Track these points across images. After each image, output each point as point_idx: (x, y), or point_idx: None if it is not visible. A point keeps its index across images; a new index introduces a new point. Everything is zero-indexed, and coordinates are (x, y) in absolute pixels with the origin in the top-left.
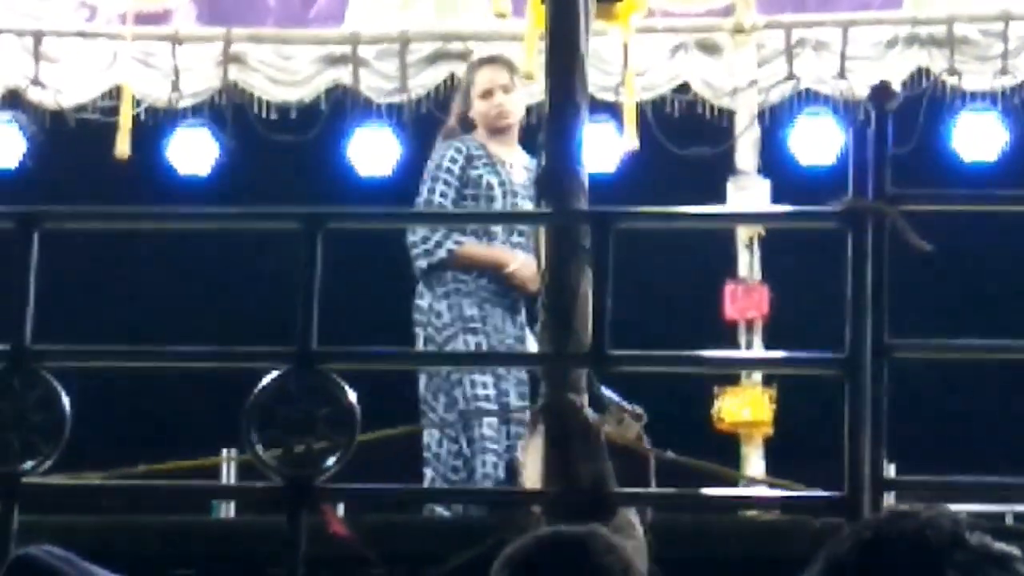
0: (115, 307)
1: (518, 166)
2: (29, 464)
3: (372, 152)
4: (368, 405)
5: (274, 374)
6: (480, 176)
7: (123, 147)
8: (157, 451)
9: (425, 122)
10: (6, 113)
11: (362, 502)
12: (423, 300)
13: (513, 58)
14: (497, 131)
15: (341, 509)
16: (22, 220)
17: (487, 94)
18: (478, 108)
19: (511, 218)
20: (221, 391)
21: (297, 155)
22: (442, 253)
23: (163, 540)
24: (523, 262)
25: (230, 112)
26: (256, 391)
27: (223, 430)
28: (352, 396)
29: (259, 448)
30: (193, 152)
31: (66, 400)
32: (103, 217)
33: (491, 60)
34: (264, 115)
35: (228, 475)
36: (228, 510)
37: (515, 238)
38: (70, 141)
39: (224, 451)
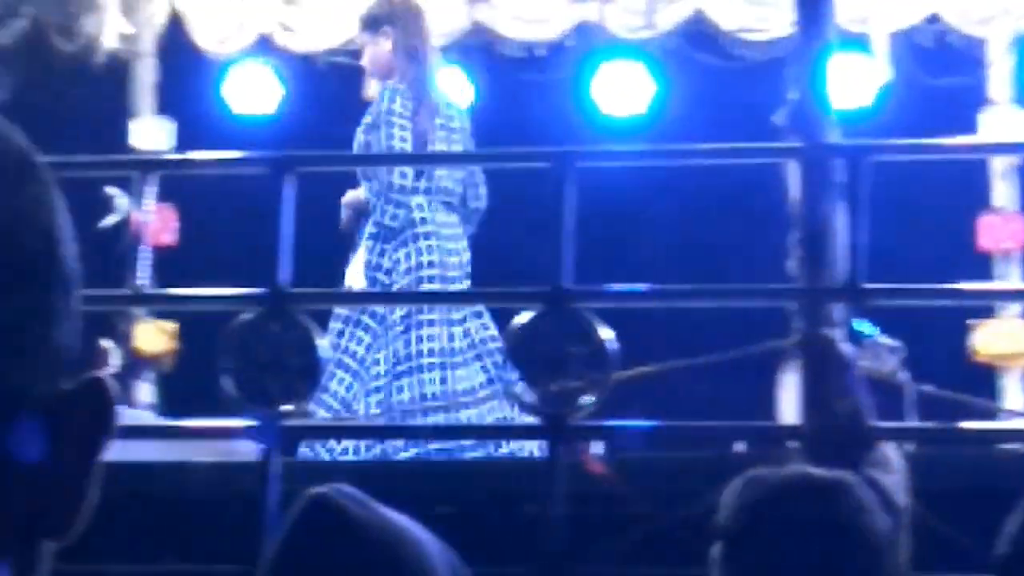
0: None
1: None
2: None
3: (619, 89)
4: (623, 343)
5: (528, 313)
6: None
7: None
8: None
9: (673, 58)
10: (262, 59)
11: (619, 439)
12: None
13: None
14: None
15: (600, 447)
16: (276, 165)
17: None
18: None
19: (757, 153)
20: None
21: (544, 94)
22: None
23: (423, 479)
24: None
25: (477, 51)
26: (511, 330)
27: None
28: (607, 334)
29: (518, 386)
30: (453, 94)
31: (321, 342)
32: (353, 160)
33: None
34: (511, 54)
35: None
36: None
37: None
38: (321, 85)
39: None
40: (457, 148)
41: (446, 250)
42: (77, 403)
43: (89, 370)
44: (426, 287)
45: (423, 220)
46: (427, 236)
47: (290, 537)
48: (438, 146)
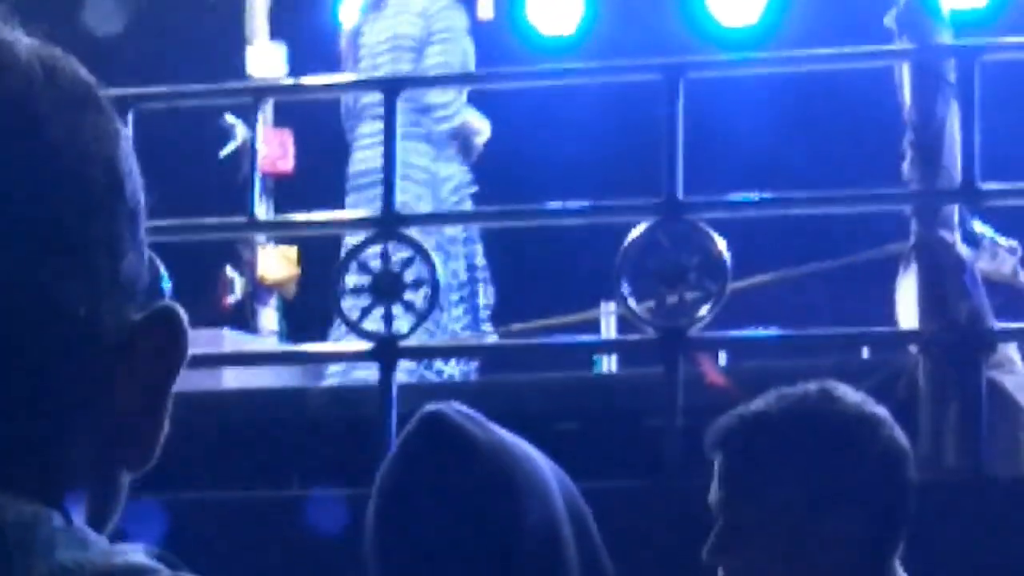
0: (481, 171)
1: None
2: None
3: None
4: (737, 253)
5: (643, 226)
6: None
7: (486, 9)
8: (534, 308)
9: None
10: None
11: (739, 349)
12: (424, 160)
13: None
14: None
15: (723, 358)
16: (386, 87)
17: None
18: None
19: (868, 57)
20: (594, 246)
21: (657, 6)
22: (459, 120)
23: (543, 396)
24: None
25: None
26: (625, 244)
27: (601, 284)
28: (722, 244)
29: (632, 301)
30: (555, 10)
31: (438, 262)
32: (462, 80)
33: None
34: None
35: (608, 328)
36: (611, 364)
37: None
38: None
39: (603, 304)
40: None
41: None
42: (147, 333)
43: (210, 297)
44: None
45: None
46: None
47: (403, 452)
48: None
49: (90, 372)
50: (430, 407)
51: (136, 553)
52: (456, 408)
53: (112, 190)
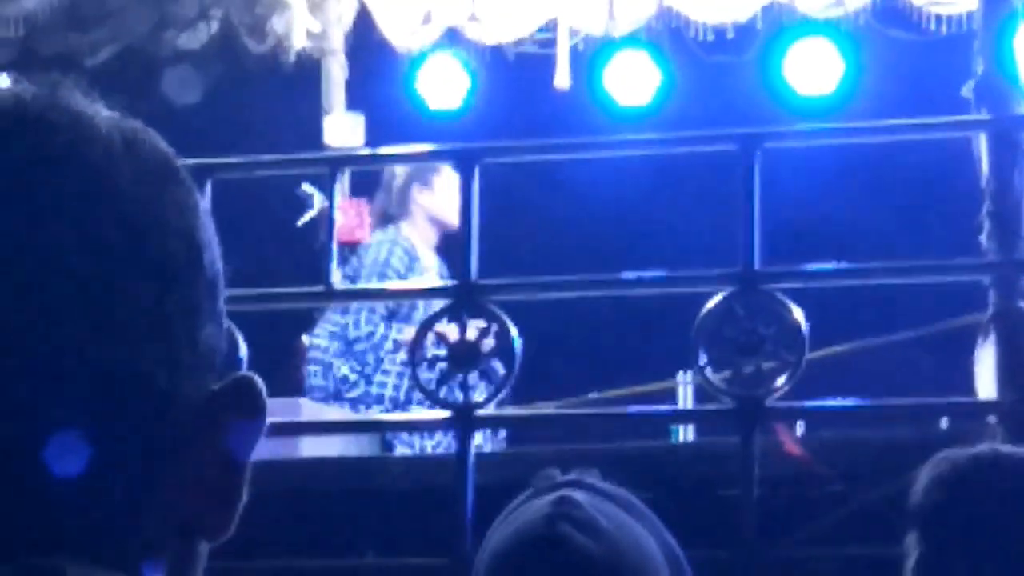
0: (558, 239)
1: (433, 272)
2: (482, 396)
3: (808, 69)
4: (814, 322)
5: (720, 296)
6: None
7: (562, 78)
8: (610, 378)
9: (864, 34)
10: (451, 51)
11: (817, 419)
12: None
13: None
14: (438, 232)
15: (800, 428)
16: (463, 157)
17: (454, 187)
18: (440, 206)
19: (946, 128)
20: (670, 315)
21: (734, 76)
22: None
23: (619, 465)
24: None
25: (666, 37)
26: (702, 314)
27: (677, 353)
28: (799, 314)
29: (709, 370)
30: (632, 80)
31: (515, 332)
32: (539, 150)
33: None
34: (701, 37)
35: (686, 398)
36: (688, 433)
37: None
38: (510, 75)
39: (680, 374)
40: None
41: None
42: (226, 403)
43: (288, 366)
44: None
45: None
46: None
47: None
48: None
49: (170, 442)
50: (567, 486)
51: None
52: (571, 515)
53: (191, 262)
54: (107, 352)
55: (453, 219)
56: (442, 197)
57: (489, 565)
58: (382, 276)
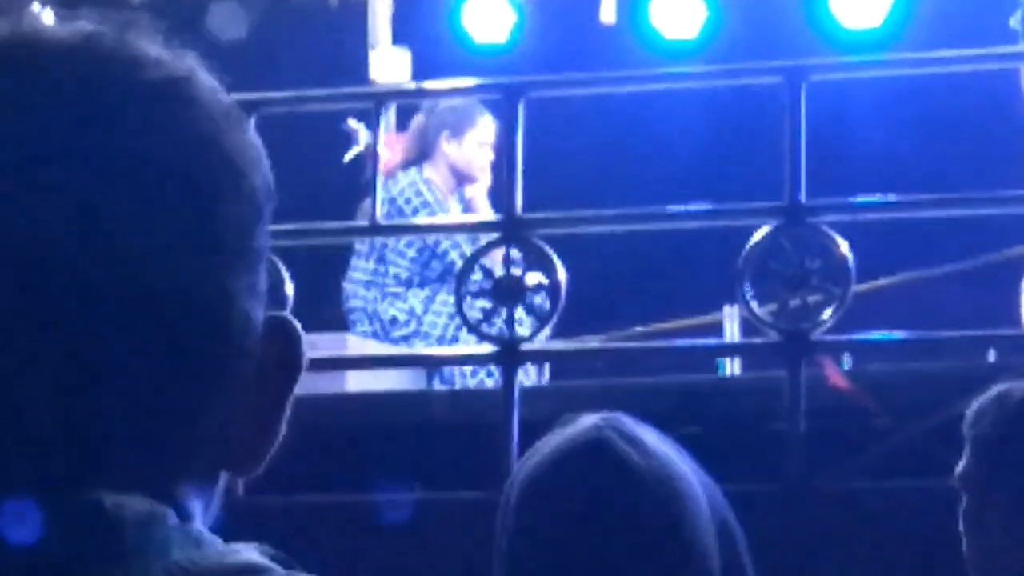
0: (604, 174)
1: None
2: (528, 331)
3: (857, 1)
4: (860, 256)
5: (765, 229)
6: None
7: (608, 13)
8: (655, 312)
9: None
10: None
11: (863, 353)
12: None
13: None
14: (468, 181)
15: (847, 361)
16: (508, 91)
17: (485, 144)
18: (468, 155)
19: (994, 59)
20: (717, 249)
21: (781, 10)
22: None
23: (665, 400)
24: None
25: None
26: (748, 247)
27: (723, 287)
28: (845, 247)
29: (754, 304)
30: (678, 15)
31: (560, 266)
32: (584, 83)
33: (487, 112)
34: None
35: (732, 332)
36: (734, 367)
37: None
38: (556, 10)
39: (726, 308)
40: None
41: None
42: (268, 341)
43: (333, 301)
44: None
45: None
46: None
47: (559, 476)
48: None
49: (229, 375)
50: (591, 423)
51: (250, 552)
52: (617, 427)
53: (269, 198)
54: (215, 283)
55: (476, 173)
56: (470, 151)
57: (533, 475)
58: (401, 212)
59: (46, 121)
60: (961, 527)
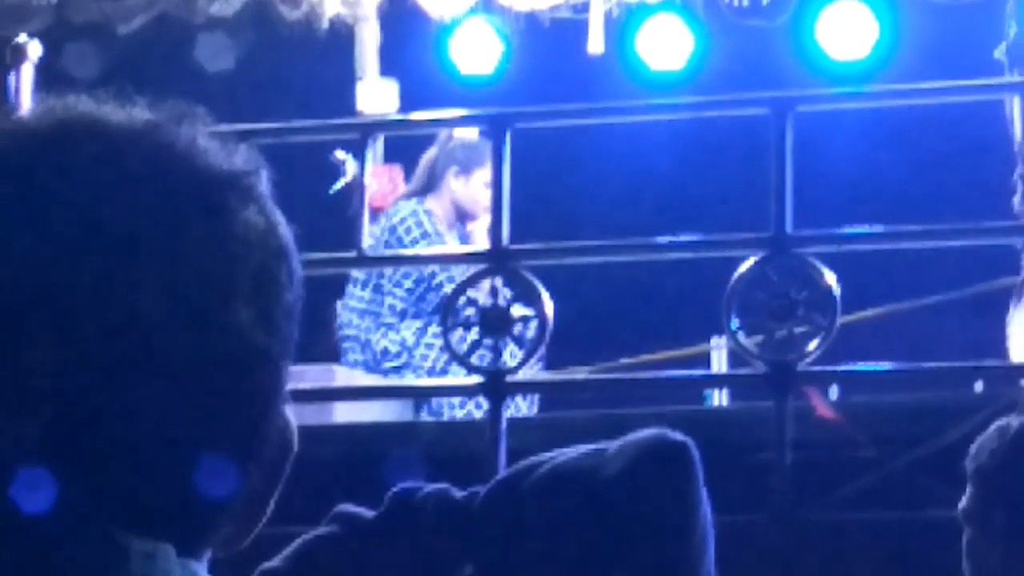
0: (592, 205)
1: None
2: (515, 362)
3: (843, 33)
4: (846, 286)
5: (751, 260)
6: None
7: (596, 44)
8: (643, 343)
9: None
10: (485, 16)
11: (850, 384)
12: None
13: None
14: (470, 219)
15: (834, 392)
16: (495, 122)
17: (485, 194)
18: (474, 193)
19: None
20: (703, 280)
21: (768, 41)
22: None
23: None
24: None
25: (699, 1)
26: (734, 278)
27: (710, 318)
28: (831, 278)
29: (741, 335)
30: (665, 45)
31: (546, 297)
32: (571, 115)
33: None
34: (734, 2)
35: (719, 363)
36: (721, 398)
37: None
38: (543, 41)
39: (713, 339)
40: None
41: None
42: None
43: (321, 331)
44: None
45: None
46: None
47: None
48: None
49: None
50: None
51: None
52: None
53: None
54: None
55: (479, 212)
56: (476, 189)
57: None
58: (400, 242)
59: (118, 203)
60: (964, 562)
